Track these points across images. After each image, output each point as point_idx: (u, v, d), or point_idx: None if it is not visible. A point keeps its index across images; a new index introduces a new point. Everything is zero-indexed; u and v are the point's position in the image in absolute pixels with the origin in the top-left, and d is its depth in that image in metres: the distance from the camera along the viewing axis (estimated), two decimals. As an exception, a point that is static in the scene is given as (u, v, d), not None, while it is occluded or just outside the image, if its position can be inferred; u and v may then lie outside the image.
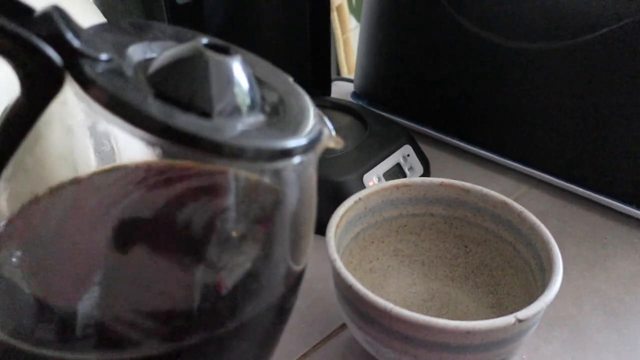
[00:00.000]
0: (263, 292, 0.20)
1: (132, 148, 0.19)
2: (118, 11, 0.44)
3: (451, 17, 0.51)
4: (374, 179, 0.46)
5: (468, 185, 0.36)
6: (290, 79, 0.21)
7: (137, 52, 0.18)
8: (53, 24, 0.15)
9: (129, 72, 0.17)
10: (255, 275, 0.20)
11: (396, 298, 0.38)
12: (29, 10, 0.15)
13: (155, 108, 0.15)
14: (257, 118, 0.18)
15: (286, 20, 0.52)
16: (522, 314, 0.27)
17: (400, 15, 0.56)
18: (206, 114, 0.16)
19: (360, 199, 0.35)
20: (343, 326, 0.37)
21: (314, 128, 0.18)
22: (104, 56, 0.16)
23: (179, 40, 0.19)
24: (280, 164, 0.18)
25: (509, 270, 0.36)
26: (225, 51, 0.17)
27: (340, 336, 0.37)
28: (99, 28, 0.17)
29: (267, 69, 0.21)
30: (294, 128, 0.18)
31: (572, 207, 0.49)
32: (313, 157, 0.19)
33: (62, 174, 0.21)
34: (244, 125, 0.17)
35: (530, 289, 0.33)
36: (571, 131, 0.47)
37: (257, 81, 0.19)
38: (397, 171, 0.48)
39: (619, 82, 0.44)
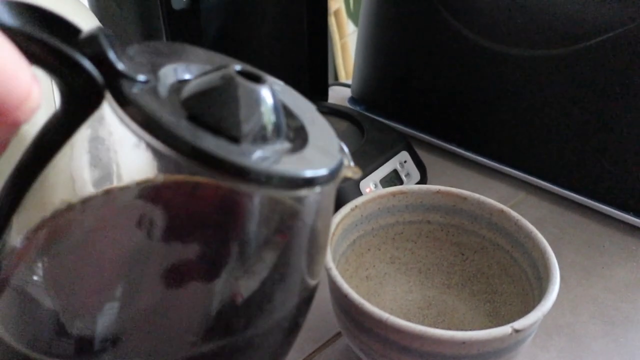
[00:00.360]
0: (277, 307, 0.21)
1: (132, 164, 0.20)
2: (114, 17, 0.44)
3: (449, 24, 0.51)
4: (370, 186, 0.46)
5: (465, 192, 0.36)
6: (315, 108, 0.22)
7: (172, 73, 0.18)
8: (98, 44, 0.16)
9: (164, 93, 0.17)
10: (271, 291, 0.21)
11: (392, 306, 0.37)
12: (76, 31, 0.17)
13: (186, 130, 0.16)
14: (283, 145, 0.19)
15: (284, 26, 0.52)
16: (519, 324, 0.27)
17: (398, 20, 0.56)
18: (234, 138, 0.17)
19: (356, 206, 0.35)
20: (339, 334, 0.37)
21: (336, 158, 0.19)
22: (142, 77, 0.17)
23: (212, 64, 0.20)
24: (302, 192, 0.18)
25: (506, 278, 0.36)
26: (256, 79, 0.18)
27: (336, 344, 0.36)
28: (138, 49, 0.18)
29: (293, 96, 0.22)
30: (318, 158, 0.19)
31: (570, 215, 0.49)
32: (333, 186, 0.19)
33: (61, 189, 0.21)
34: (270, 152, 0.18)
35: (526, 297, 0.33)
36: (569, 138, 0.47)
37: (284, 109, 0.20)
38: (394, 177, 0.48)
39: (615, 90, 0.44)
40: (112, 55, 0.16)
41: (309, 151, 0.19)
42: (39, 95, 0.15)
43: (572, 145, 0.47)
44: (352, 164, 0.20)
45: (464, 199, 0.36)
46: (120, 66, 0.16)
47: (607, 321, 0.38)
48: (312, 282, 0.22)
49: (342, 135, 0.52)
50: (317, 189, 0.18)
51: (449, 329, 0.36)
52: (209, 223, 0.21)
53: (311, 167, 0.18)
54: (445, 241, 0.38)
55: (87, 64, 0.16)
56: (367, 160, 0.47)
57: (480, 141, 0.54)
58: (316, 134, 0.20)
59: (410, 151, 0.50)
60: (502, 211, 0.35)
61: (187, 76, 0.19)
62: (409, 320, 0.37)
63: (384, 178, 0.47)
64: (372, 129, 0.51)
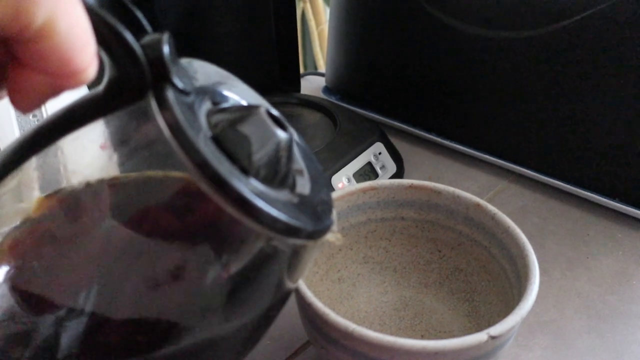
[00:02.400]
0: (251, 308, 0.22)
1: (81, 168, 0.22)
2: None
3: (422, 8, 0.49)
4: (343, 181, 0.43)
5: (439, 186, 0.34)
6: (321, 168, 0.24)
7: (210, 95, 0.20)
8: (159, 48, 0.17)
9: (198, 110, 0.19)
10: (245, 295, 0.21)
11: (367, 309, 0.35)
12: (145, 30, 0.18)
13: (206, 148, 0.17)
14: (283, 192, 0.20)
15: (248, 13, 0.49)
16: (495, 329, 0.25)
17: (370, 6, 0.53)
18: (244, 169, 0.18)
19: (323, 205, 0.33)
20: (309, 342, 0.35)
21: (328, 219, 0.21)
22: (185, 89, 0.18)
23: (248, 98, 0.22)
24: (288, 240, 0.19)
25: (485, 275, 0.33)
26: (282, 126, 0.19)
27: (306, 352, 0.34)
28: (191, 60, 0.20)
29: (306, 152, 0.23)
30: (312, 213, 0.20)
31: (553, 203, 0.47)
32: (317, 243, 0.21)
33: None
34: (271, 193, 0.19)
35: (506, 296, 0.31)
36: (549, 124, 0.45)
37: (295, 160, 0.22)
38: (369, 170, 0.45)
39: (596, 70, 0.42)
40: (168, 62, 0.17)
41: (306, 206, 0.20)
42: (95, 71, 0.16)
43: (552, 130, 0.45)
44: (335, 229, 0.22)
45: (439, 193, 0.34)
46: (171, 73, 0.18)
47: (593, 315, 0.37)
48: (292, 286, 0.23)
49: (314, 128, 0.49)
50: (300, 241, 0.20)
51: (427, 331, 0.34)
52: (190, 227, 0.21)
53: (304, 220, 0.19)
54: (421, 237, 0.36)
55: (144, 61, 0.17)
56: (339, 154, 0.44)
57: (459, 129, 0.52)
58: (316, 190, 0.22)
59: (385, 142, 0.48)
60: (478, 205, 0.33)
61: (223, 102, 0.21)
62: (384, 323, 0.35)
63: (357, 172, 0.44)
64: (346, 121, 0.48)
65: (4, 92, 0.17)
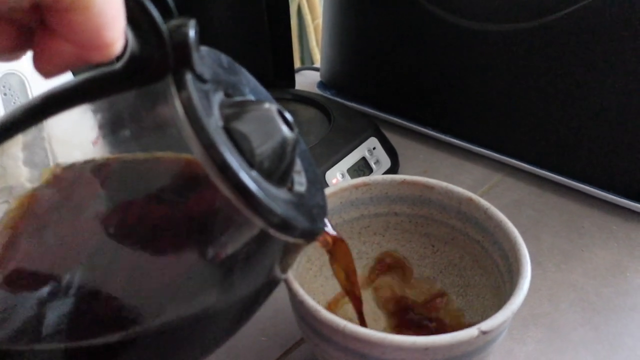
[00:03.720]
0: (239, 289, 0.22)
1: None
2: None
3: (416, 2, 0.49)
4: (337, 176, 0.43)
5: (432, 181, 0.34)
6: (319, 172, 0.25)
7: (225, 86, 0.20)
8: (185, 32, 0.18)
9: (213, 98, 0.19)
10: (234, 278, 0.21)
11: (361, 304, 0.35)
12: (172, 14, 0.19)
13: (217, 134, 0.17)
14: (282, 190, 0.20)
15: (240, 7, 0.49)
16: (486, 324, 0.25)
17: (363, 0, 0.53)
18: (249, 163, 0.19)
19: (315, 202, 0.33)
20: (303, 339, 0.35)
21: (322, 222, 0.22)
22: (204, 76, 0.19)
23: (260, 95, 0.23)
24: (279, 235, 0.19)
25: (478, 270, 0.34)
26: (289, 126, 0.20)
27: (301, 349, 0.34)
28: (208, 52, 0.20)
29: (305, 155, 0.24)
30: (307, 214, 0.20)
31: (548, 195, 0.47)
32: (304, 243, 0.21)
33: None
34: (271, 188, 0.19)
35: (499, 290, 0.31)
36: (544, 116, 0.45)
37: (296, 162, 0.22)
38: (363, 166, 0.45)
39: (589, 62, 0.41)
40: (192, 47, 0.18)
41: (303, 207, 0.21)
42: (121, 47, 0.17)
43: (547, 123, 0.45)
44: (333, 231, 0.23)
45: (431, 188, 0.34)
46: (193, 59, 0.18)
47: (587, 308, 0.37)
48: (280, 276, 0.23)
49: (308, 123, 0.49)
50: (291, 239, 0.20)
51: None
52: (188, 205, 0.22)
53: (300, 219, 0.19)
54: (414, 233, 0.36)
55: (169, 43, 0.17)
56: (333, 149, 0.44)
57: (453, 123, 0.52)
58: (312, 193, 0.22)
59: (379, 137, 0.47)
60: (470, 200, 0.33)
61: (235, 95, 0.21)
62: (377, 319, 0.35)
63: (351, 167, 0.44)
64: (340, 116, 0.48)
65: (22, 54, 0.18)
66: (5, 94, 0.34)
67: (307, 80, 0.66)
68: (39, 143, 0.21)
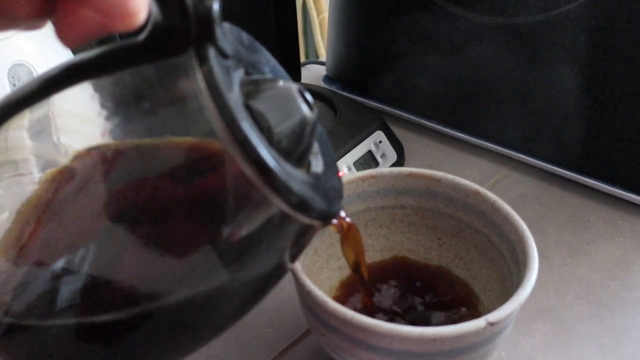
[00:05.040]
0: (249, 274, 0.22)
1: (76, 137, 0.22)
2: None
3: (421, -7, 0.48)
4: (343, 169, 0.43)
5: (438, 174, 0.34)
6: (335, 156, 0.25)
7: (246, 63, 0.20)
8: (209, 7, 0.17)
9: (234, 75, 0.19)
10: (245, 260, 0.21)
11: (367, 296, 0.35)
12: None
13: (238, 109, 0.17)
14: (300, 170, 0.20)
15: (246, 1, 0.49)
16: (494, 316, 0.25)
17: (369, -7, 0.53)
18: (269, 141, 0.18)
19: (322, 194, 0.33)
20: (310, 331, 0.35)
21: (338, 204, 0.21)
22: (226, 52, 0.18)
23: (278, 74, 0.23)
24: (296, 215, 0.19)
25: (485, 262, 0.34)
26: (309, 105, 0.20)
27: (307, 341, 0.35)
28: (230, 29, 0.20)
29: (322, 138, 0.24)
30: (324, 195, 0.20)
31: (554, 190, 0.47)
32: (320, 226, 0.21)
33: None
34: (289, 167, 0.19)
35: (506, 283, 0.31)
36: (551, 110, 0.45)
37: (313, 141, 0.22)
38: (369, 159, 0.45)
39: (595, 56, 0.41)
40: (215, 22, 0.18)
41: (319, 188, 0.20)
42: (144, 18, 0.16)
43: (554, 118, 0.45)
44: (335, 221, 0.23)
45: (438, 180, 0.34)
46: (216, 34, 0.18)
47: (593, 302, 0.37)
48: (290, 262, 0.23)
49: (314, 117, 0.49)
50: (307, 220, 0.19)
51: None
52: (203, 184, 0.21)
53: (316, 200, 0.19)
54: (421, 226, 0.36)
55: (193, 17, 0.17)
56: (339, 142, 0.44)
57: (460, 116, 0.51)
58: (329, 175, 0.22)
59: (385, 131, 0.47)
60: (477, 192, 0.33)
61: (255, 73, 0.21)
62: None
63: (358, 160, 0.44)
64: (346, 109, 0.48)
65: (44, 22, 0.17)
66: (14, 85, 0.34)
67: (312, 74, 0.66)
68: (44, 118, 0.21)
